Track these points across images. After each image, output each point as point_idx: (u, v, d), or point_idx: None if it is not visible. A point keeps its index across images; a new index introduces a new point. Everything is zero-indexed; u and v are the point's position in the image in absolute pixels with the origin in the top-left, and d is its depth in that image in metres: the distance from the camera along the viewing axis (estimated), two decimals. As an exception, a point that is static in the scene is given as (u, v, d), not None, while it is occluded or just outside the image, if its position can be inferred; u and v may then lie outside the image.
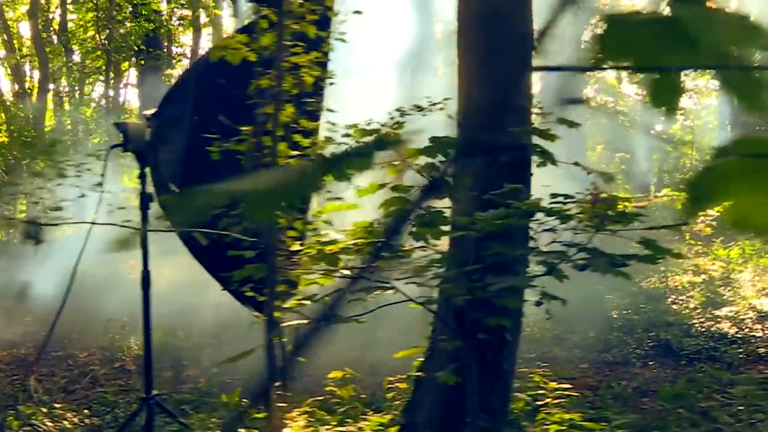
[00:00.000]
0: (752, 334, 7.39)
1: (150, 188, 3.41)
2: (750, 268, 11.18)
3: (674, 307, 8.78)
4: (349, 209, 3.27)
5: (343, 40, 3.40)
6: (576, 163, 3.35)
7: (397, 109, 3.04)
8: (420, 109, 2.94)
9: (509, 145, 3.47)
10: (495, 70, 3.55)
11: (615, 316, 8.44)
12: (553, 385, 3.87)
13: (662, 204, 17.67)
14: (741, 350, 6.83)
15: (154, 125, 3.39)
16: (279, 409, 3.14)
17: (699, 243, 14.27)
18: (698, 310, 8.60)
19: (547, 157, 3.49)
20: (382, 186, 3.15)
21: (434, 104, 3.03)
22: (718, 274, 10.35)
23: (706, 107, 31.01)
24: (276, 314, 3.17)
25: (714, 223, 15.67)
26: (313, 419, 3.62)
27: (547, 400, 3.76)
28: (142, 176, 3.36)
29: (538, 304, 3.25)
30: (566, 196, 3.05)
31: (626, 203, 2.82)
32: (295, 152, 3.22)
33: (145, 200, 3.38)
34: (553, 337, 7.91)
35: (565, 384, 3.92)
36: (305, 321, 2.82)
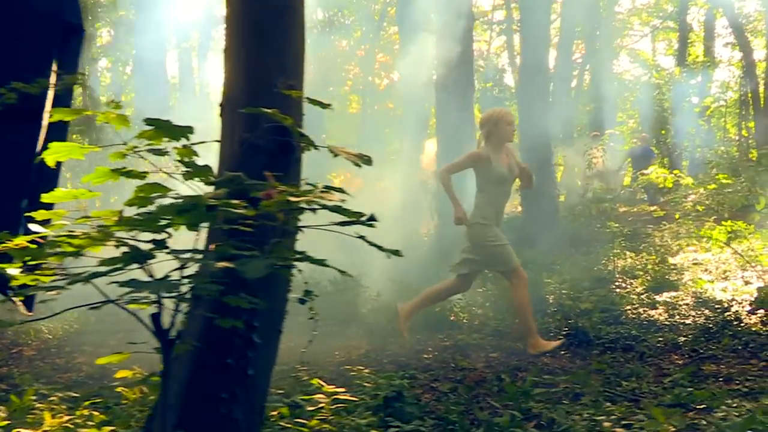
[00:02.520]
0: (682, 321, 6.97)
1: None
2: (730, 249, 10.63)
3: (618, 291, 8.37)
4: (84, 197, 3.02)
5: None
6: (328, 148, 3.05)
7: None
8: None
9: (265, 128, 3.19)
10: (256, 46, 3.25)
11: (551, 301, 8.07)
12: (330, 389, 3.58)
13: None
14: (661, 339, 6.43)
15: None
16: None
17: (690, 222, 13.72)
18: (643, 295, 8.19)
19: (306, 141, 3.20)
20: (116, 171, 2.91)
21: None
22: (679, 257, 9.88)
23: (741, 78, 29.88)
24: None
25: (707, 201, 15.04)
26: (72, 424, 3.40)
27: (322, 404, 3.48)
28: None
29: (302, 301, 3.01)
30: (312, 185, 2.76)
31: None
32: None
33: None
34: (480, 324, 7.58)
35: (341, 388, 3.62)
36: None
